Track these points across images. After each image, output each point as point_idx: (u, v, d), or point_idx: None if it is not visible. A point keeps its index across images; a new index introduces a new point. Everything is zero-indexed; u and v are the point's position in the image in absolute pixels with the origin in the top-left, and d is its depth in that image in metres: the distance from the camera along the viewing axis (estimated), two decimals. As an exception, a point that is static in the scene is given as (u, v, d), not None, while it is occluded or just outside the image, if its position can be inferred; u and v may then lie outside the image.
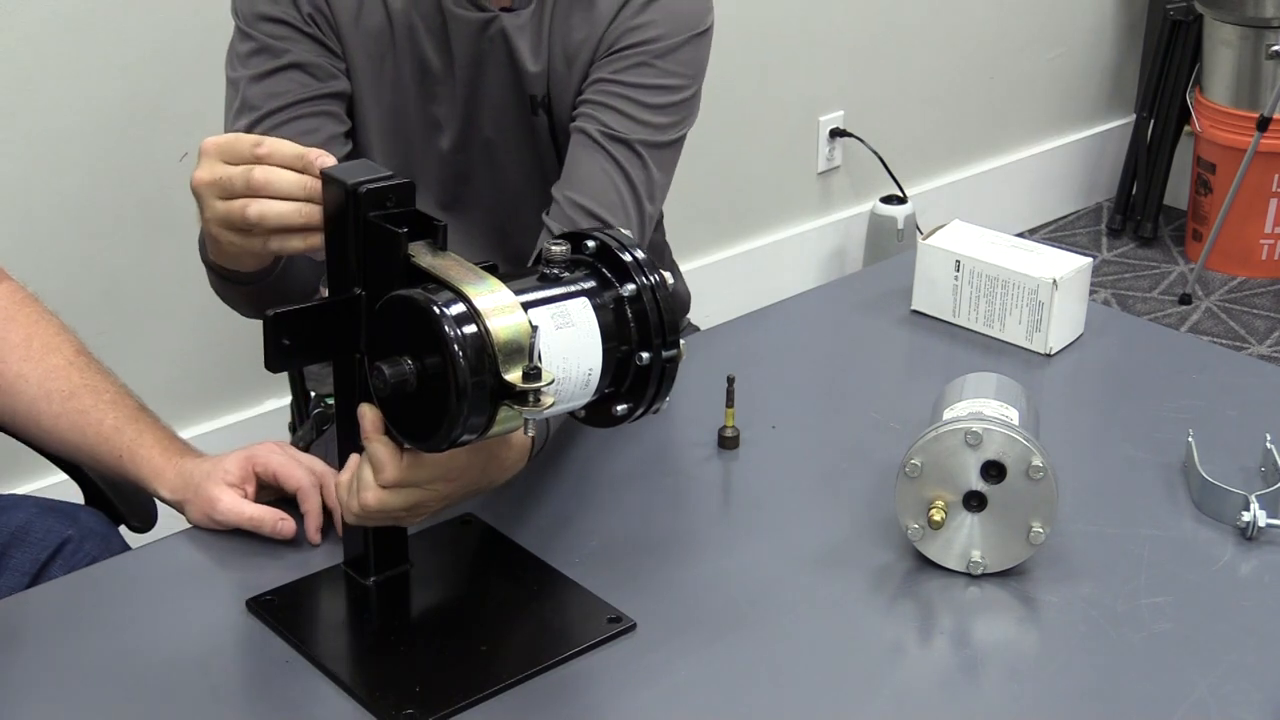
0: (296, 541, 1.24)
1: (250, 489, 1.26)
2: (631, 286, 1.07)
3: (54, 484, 1.72)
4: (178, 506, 1.29)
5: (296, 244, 1.13)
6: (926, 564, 1.22)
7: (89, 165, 2.29)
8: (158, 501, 1.35)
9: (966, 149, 3.62)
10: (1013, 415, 1.21)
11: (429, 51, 1.50)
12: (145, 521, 1.50)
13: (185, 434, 1.40)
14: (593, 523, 1.28)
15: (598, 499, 1.32)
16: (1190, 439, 1.33)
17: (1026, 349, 1.56)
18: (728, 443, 1.39)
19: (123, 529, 1.47)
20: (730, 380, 1.38)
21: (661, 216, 1.68)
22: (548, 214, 1.46)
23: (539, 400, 1.00)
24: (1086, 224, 3.86)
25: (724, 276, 3.11)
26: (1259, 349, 3.26)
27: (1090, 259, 1.57)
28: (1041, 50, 3.67)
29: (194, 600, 1.20)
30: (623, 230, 1.11)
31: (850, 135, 3.30)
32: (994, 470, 1.18)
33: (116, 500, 1.49)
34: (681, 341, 1.09)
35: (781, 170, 3.26)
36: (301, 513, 1.25)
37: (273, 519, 1.24)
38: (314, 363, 1.61)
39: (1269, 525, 1.24)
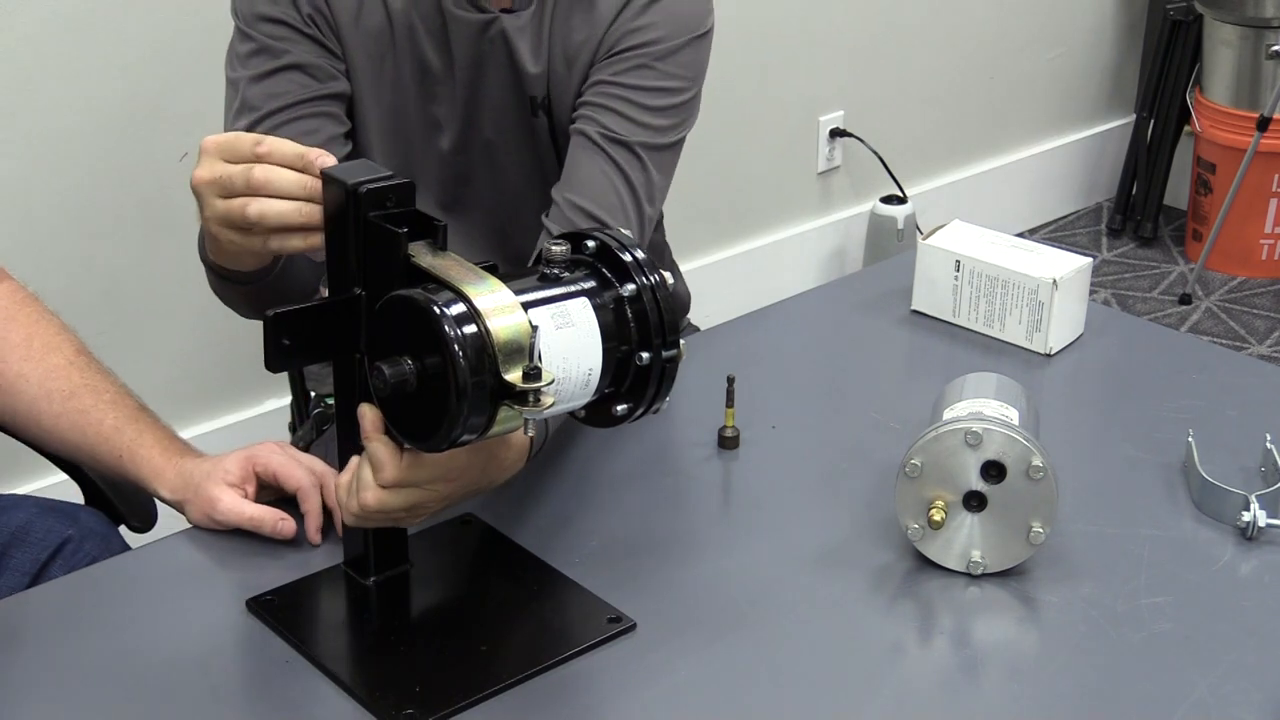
0: (296, 541, 1.24)
1: (250, 489, 1.26)
2: (631, 286, 1.07)
3: (54, 484, 1.72)
4: (178, 506, 1.29)
5: (297, 243, 1.13)
6: (926, 564, 1.22)
7: (89, 165, 2.29)
8: (158, 501, 1.35)
9: (966, 149, 3.62)
10: (1013, 415, 1.21)
11: (429, 52, 1.50)
12: (145, 521, 1.50)
13: (185, 434, 1.40)
14: (593, 523, 1.28)
15: (598, 499, 1.32)
16: (1190, 439, 1.33)
17: (1026, 349, 1.56)
18: (728, 443, 1.39)
19: (123, 529, 1.47)
20: (730, 380, 1.38)
21: (661, 217, 1.68)
22: (547, 216, 1.46)
23: (539, 400, 1.00)
24: (1086, 224, 3.86)
25: (724, 276, 3.11)
26: (1259, 349, 3.26)
27: (1090, 259, 1.58)
28: (1041, 50, 3.67)
29: (194, 600, 1.20)
30: (623, 230, 1.11)
31: (850, 135, 3.30)
32: (994, 470, 1.18)
33: (116, 500, 1.49)
34: (681, 341, 1.09)
35: (781, 170, 3.26)
36: (302, 513, 1.25)
37: (273, 519, 1.24)
38: (314, 363, 1.61)
39: (1269, 525, 1.24)
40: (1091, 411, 1.53)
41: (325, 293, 1.13)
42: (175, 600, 1.20)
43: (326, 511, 1.25)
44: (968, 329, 1.60)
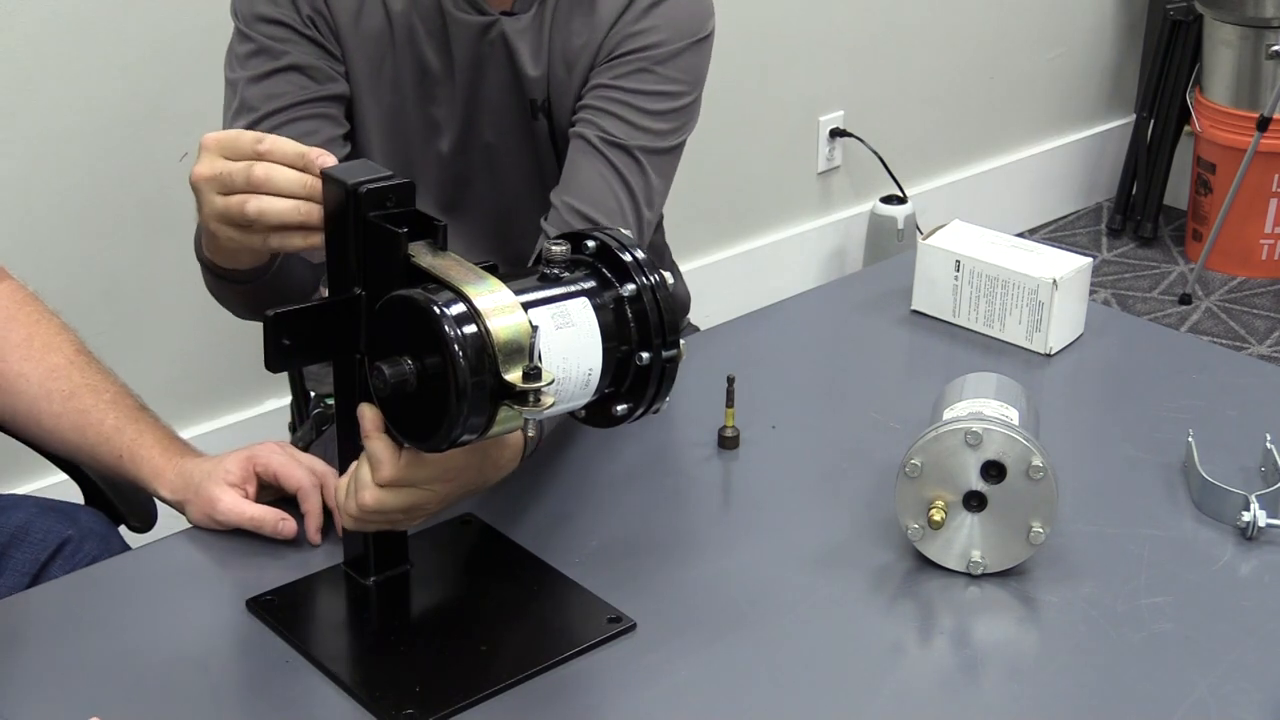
0: (296, 541, 1.24)
1: (251, 489, 1.26)
2: (631, 286, 1.07)
3: (54, 484, 1.72)
4: (178, 506, 1.29)
5: (297, 241, 1.13)
6: (926, 564, 1.22)
7: (89, 165, 2.29)
8: (158, 501, 1.35)
9: (966, 149, 3.62)
10: (1013, 415, 1.21)
11: (429, 54, 1.50)
12: (145, 521, 1.50)
13: (185, 434, 1.40)
14: (593, 523, 1.28)
15: (598, 499, 1.32)
16: (1190, 439, 1.33)
17: (1026, 349, 1.56)
18: (728, 443, 1.39)
19: (123, 529, 1.47)
20: (730, 380, 1.38)
21: (661, 217, 1.67)
22: (546, 219, 1.46)
23: (539, 400, 1.00)
24: (1086, 224, 3.86)
25: (724, 276, 3.11)
26: (1259, 349, 3.26)
27: (1090, 259, 1.58)
28: (1041, 50, 3.67)
29: (194, 600, 1.20)
30: (622, 230, 1.11)
31: (850, 135, 3.30)
32: (994, 470, 1.18)
33: (116, 500, 1.49)
34: (681, 341, 1.09)
35: (781, 170, 3.26)
36: (302, 513, 1.25)
37: (274, 519, 1.24)
38: (314, 363, 1.61)
39: (1269, 525, 1.24)
40: (1091, 411, 1.53)
41: (325, 293, 1.13)
42: (175, 600, 1.20)
43: (327, 512, 1.25)
44: (968, 329, 1.60)
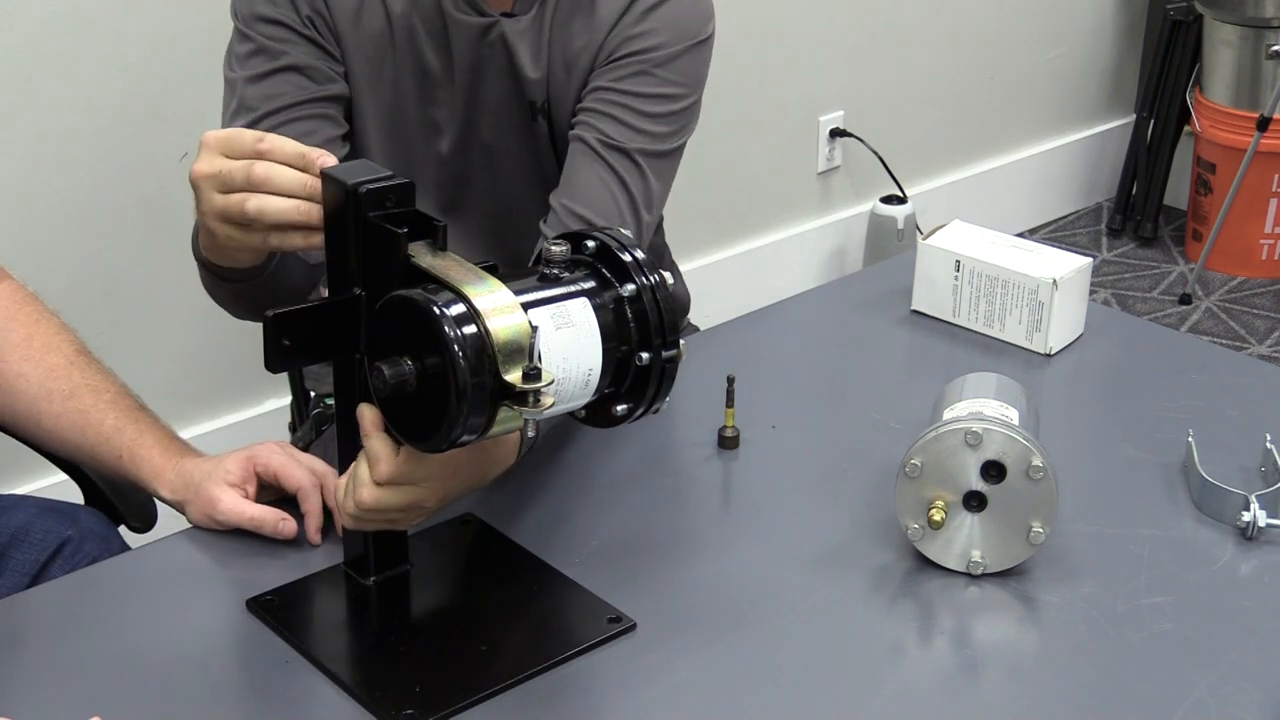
0: (296, 541, 1.24)
1: (251, 489, 1.26)
2: (631, 287, 1.07)
3: (54, 484, 1.72)
4: (178, 506, 1.29)
5: (296, 240, 1.13)
6: (926, 564, 1.22)
7: (89, 165, 2.28)
8: (158, 501, 1.35)
9: (966, 149, 3.62)
10: (1013, 415, 1.21)
11: (429, 54, 1.50)
12: (145, 521, 1.50)
13: (185, 434, 1.40)
14: (593, 523, 1.28)
15: (598, 499, 1.32)
16: (1190, 439, 1.33)
17: (1026, 349, 1.56)
18: (728, 443, 1.39)
19: (123, 529, 1.47)
20: (730, 380, 1.38)
21: (661, 218, 1.67)
22: (545, 221, 1.46)
23: (539, 401, 1.00)
24: (1086, 224, 3.86)
25: (724, 276, 3.11)
26: (1259, 349, 3.26)
27: (1090, 259, 1.58)
28: (1041, 50, 3.67)
29: (194, 600, 1.20)
30: (622, 230, 1.11)
31: (850, 135, 3.30)
32: (994, 470, 1.18)
33: (116, 500, 1.49)
34: (681, 341, 1.09)
35: (781, 170, 3.26)
36: (302, 513, 1.25)
37: (274, 519, 1.24)
38: (314, 363, 1.61)
39: (1269, 525, 1.24)
40: (1091, 411, 1.53)
41: (325, 292, 1.13)
42: (175, 600, 1.20)
43: (327, 512, 1.25)
44: (968, 329, 1.60)
